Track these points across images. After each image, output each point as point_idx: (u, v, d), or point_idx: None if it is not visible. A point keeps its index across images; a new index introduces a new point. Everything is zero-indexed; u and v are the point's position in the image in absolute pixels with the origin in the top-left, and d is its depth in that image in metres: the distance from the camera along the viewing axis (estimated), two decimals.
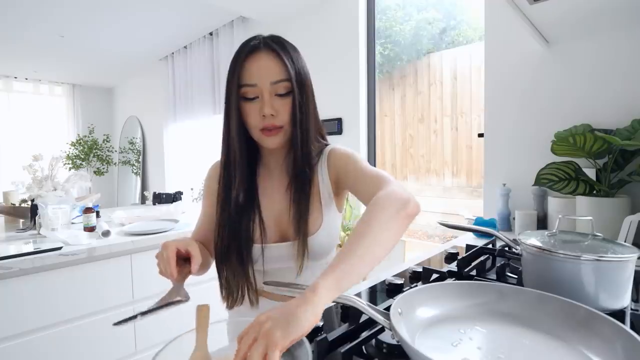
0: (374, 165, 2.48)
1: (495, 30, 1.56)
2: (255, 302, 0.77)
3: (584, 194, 1.17)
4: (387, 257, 0.53)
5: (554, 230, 0.75)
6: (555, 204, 1.30)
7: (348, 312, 0.63)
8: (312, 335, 0.54)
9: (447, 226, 0.99)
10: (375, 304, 0.58)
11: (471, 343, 0.50)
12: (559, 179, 1.20)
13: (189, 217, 2.01)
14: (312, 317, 0.41)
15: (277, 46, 0.70)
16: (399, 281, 0.80)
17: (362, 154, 2.45)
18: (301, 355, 0.42)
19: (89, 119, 5.94)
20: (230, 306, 0.77)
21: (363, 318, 0.61)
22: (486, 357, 0.47)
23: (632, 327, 0.58)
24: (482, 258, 0.91)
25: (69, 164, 5.16)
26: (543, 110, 1.44)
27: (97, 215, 1.91)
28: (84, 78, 5.56)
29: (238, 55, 0.70)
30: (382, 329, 0.56)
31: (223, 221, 0.74)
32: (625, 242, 0.84)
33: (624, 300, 0.62)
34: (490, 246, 1.02)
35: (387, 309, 0.51)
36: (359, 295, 0.80)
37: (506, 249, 0.98)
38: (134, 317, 0.44)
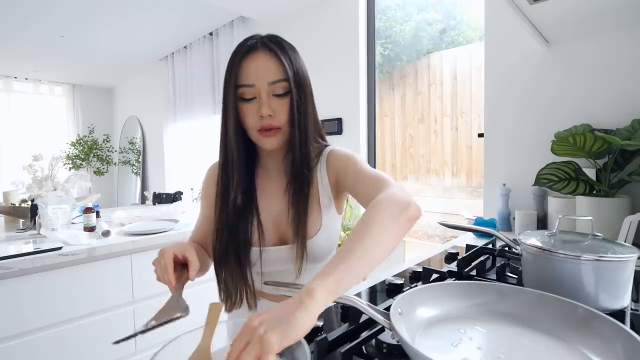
0: (374, 166, 2.48)
1: (495, 30, 1.56)
2: (254, 306, 0.76)
3: (584, 194, 1.17)
4: (387, 257, 0.52)
5: (554, 230, 0.75)
6: (555, 204, 1.30)
7: (348, 312, 0.63)
8: (312, 335, 0.54)
9: (447, 226, 0.99)
10: (375, 304, 0.58)
11: (471, 343, 0.50)
12: (559, 179, 1.20)
13: (189, 217, 2.01)
14: (308, 322, 0.39)
15: (274, 46, 0.69)
16: (399, 281, 0.80)
17: (362, 154, 2.45)
18: (300, 356, 0.42)
19: (89, 119, 5.94)
20: (229, 309, 0.77)
21: (363, 318, 0.61)
22: (486, 357, 0.47)
23: (632, 327, 0.58)
24: (482, 258, 0.91)
25: (69, 164, 5.16)
26: (543, 110, 1.44)
27: (97, 215, 1.91)
28: (84, 78, 5.56)
29: (235, 55, 0.69)
30: (382, 329, 0.56)
31: (221, 223, 0.74)
32: (625, 242, 0.84)
33: (624, 300, 0.62)
34: (490, 246, 1.02)
35: (387, 309, 0.51)
36: (359, 295, 0.80)
37: (506, 249, 0.98)
38: (134, 335, 0.43)
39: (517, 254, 0.81)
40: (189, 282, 0.61)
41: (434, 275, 0.83)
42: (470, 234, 1.41)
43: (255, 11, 2.71)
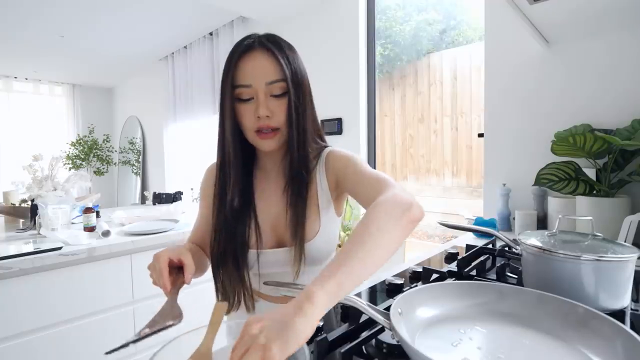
0: (374, 166, 2.48)
1: (495, 30, 1.56)
2: (252, 308, 0.76)
3: (584, 194, 1.17)
4: (389, 259, 0.51)
5: (554, 230, 0.75)
6: (555, 204, 1.30)
7: (348, 312, 0.63)
8: (312, 335, 0.54)
9: (447, 226, 0.99)
10: (375, 304, 0.58)
11: (471, 343, 0.50)
12: (559, 179, 1.20)
13: (189, 217, 2.01)
14: (308, 329, 0.38)
15: (272, 45, 0.68)
16: (399, 281, 0.80)
17: (362, 154, 2.45)
18: (299, 356, 0.42)
19: (89, 119, 5.94)
20: (227, 312, 0.77)
21: (363, 318, 0.61)
22: (486, 357, 0.47)
23: (632, 327, 0.58)
24: (482, 258, 0.91)
25: (69, 164, 5.16)
26: (543, 110, 1.44)
27: (97, 215, 1.91)
28: (84, 78, 5.56)
29: (232, 55, 0.68)
30: (382, 329, 0.56)
31: (219, 225, 0.73)
32: (625, 242, 0.84)
33: (624, 300, 0.62)
34: (490, 246, 1.02)
35: (387, 309, 0.51)
36: (359, 295, 0.80)
37: (506, 249, 0.98)
38: (126, 345, 0.43)
39: (517, 254, 0.81)
40: (191, 280, 0.61)
41: (434, 275, 0.83)
42: (470, 234, 1.41)
43: (255, 11, 2.71)
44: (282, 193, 0.75)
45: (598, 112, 1.31)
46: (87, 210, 1.64)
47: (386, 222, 0.51)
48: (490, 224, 1.43)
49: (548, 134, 1.36)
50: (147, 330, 0.45)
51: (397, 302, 0.52)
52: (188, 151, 3.95)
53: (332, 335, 0.55)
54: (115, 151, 5.74)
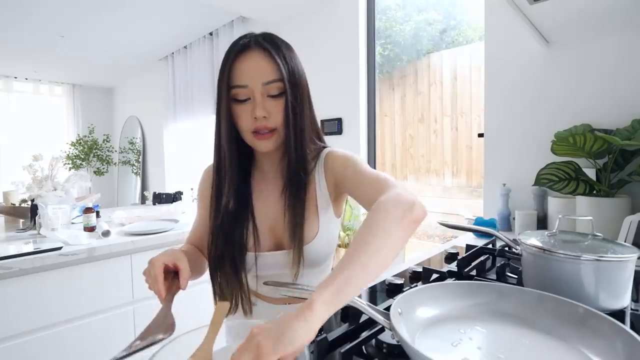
0: (374, 166, 2.48)
1: (495, 30, 1.56)
2: (249, 312, 0.75)
3: (584, 194, 1.17)
4: (393, 261, 0.51)
5: (554, 230, 0.75)
6: (555, 204, 1.30)
7: (348, 312, 0.63)
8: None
9: (447, 226, 0.99)
10: (375, 304, 0.58)
11: (471, 343, 0.50)
12: (559, 179, 1.20)
13: (189, 217, 2.01)
14: (306, 334, 0.38)
15: (268, 45, 0.66)
16: (399, 281, 0.80)
17: (362, 154, 2.45)
18: (299, 356, 0.42)
19: (89, 119, 5.94)
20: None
21: (363, 318, 0.61)
22: (486, 357, 0.47)
23: (632, 327, 0.58)
24: (482, 258, 0.91)
25: (69, 164, 5.16)
26: (543, 110, 1.44)
27: (97, 215, 1.91)
28: (84, 78, 5.56)
29: (228, 55, 0.67)
30: (382, 329, 0.56)
31: (216, 228, 0.72)
32: (625, 242, 0.84)
33: (624, 300, 0.62)
34: (490, 246, 1.02)
35: (387, 309, 0.51)
36: (359, 295, 0.79)
37: (506, 249, 0.98)
38: (118, 359, 0.43)
39: (517, 254, 0.81)
40: (187, 285, 0.60)
41: (434, 275, 0.83)
42: (470, 234, 1.41)
43: (255, 11, 2.71)
44: (280, 195, 0.73)
45: (598, 112, 1.31)
46: (87, 210, 1.64)
47: (388, 224, 0.50)
48: (490, 224, 1.43)
49: (548, 134, 1.36)
50: (138, 343, 0.46)
51: (397, 302, 0.52)
52: (188, 151, 3.96)
53: (332, 335, 0.55)
54: (115, 151, 5.74)
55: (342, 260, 0.47)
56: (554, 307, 0.54)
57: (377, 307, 0.50)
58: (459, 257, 0.89)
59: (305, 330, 0.39)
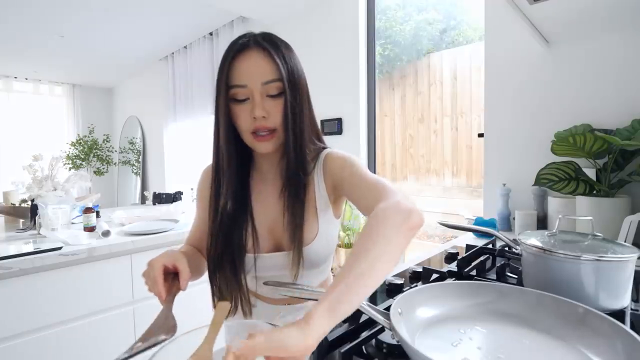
0: (374, 166, 2.48)
1: (495, 30, 1.56)
2: (249, 313, 0.75)
3: (584, 194, 1.17)
4: (392, 269, 0.50)
5: (554, 230, 0.75)
6: (555, 204, 1.30)
7: None
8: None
9: (447, 226, 0.99)
10: (375, 304, 0.58)
11: (471, 343, 0.50)
12: (559, 179, 1.20)
13: (189, 217, 2.01)
14: (298, 341, 0.38)
15: (268, 44, 0.66)
16: (399, 281, 0.79)
17: (362, 154, 2.45)
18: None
19: (89, 119, 5.94)
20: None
21: (363, 318, 0.61)
22: (486, 357, 0.47)
23: (632, 327, 0.58)
24: (482, 258, 0.91)
25: (69, 164, 5.16)
26: (543, 110, 1.44)
27: (97, 215, 1.91)
28: (84, 78, 5.56)
29: (227, 55, 0.66)
30: (382, 329, 0.56)
31: (215, 229, 0.71)
32: (625, 242, 0.84)
33: (624, 300, 0.62)
34: (490, 246, 1.02)
35: (387, 309, 0.51)
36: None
37: (506, 249, 0.98)
38: None
39: (517, 254, 0.81)
40: (187, 286, 0.60)
41: (434, 275, 0.83)
42: (470, 234, 1.41)
43: (255, 11, 2.71)
44: (279, 196, 0.73)
45: (598, 112, 1.31)
46: (87, 210, 1.64)
47: (387, 232, 0.49)
48: (490, 224, 1.43)
49: (548, 134, 1.36)
50: (140, 345, 0.46)
51: (397, 302, 0.52)
52: (188, 151, 3.96)
53: (332, 335, 0.55)
54: (115, 151, 5.74)
55: (341, 269, 0.46)
56: (554, 307, 0.54)
57: (377, 307, 0.50)
58: (459, 257, 0.89)
59: (298, 338, 0.38)
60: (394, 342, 0.52)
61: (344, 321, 0.64)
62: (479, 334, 0.53)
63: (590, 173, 1.19)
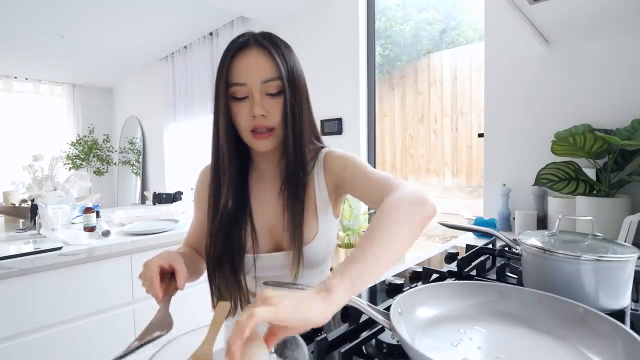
0: (374, 166, 2.48)
1: (495, 30, 1.56)
2: None
3: (584, 194, 1.17)
4: (404, 255, 0.51)
5: (554, 230, 0.75)
6: (555, 204, 1.30)
7: (348, 312, 0.63)
8: (312, 335, 0.54)
9: (447, 226, 0.99)
10: (375, 304, 0.58)
11: (471, 343, 0.50)
12: (559, 179, 1.20)
13: (189, 217, 2.01)
14: (320, 314, 0.37)
15: (267, 43, 0.66)
16: (399, 281, 0.80)
17: (362, 154, 2.45)
18: (299, 356, 0.41)
19: (89, 119, 5.94)
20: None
21: (363, 318, 0.61)
22: (486, 357, 0.47)
23: (632, 327, 0.58)
24: (482, 258, 0.91)
25: (69, 164, 5.16)
26: (543, 110, 1.44)
27: (97, 215, 1.91)
28: (84, 78, 5.56)
29: (226, 53, 0.66)
30: (382, 329, 0.56)
31: (214, 229, 0.71)
32: (625, 242, 0.84)
33: (624, 300, 0.62)
34: (490, 246, 1.02)
35: (387, 309, 0.51)
36: (359, 295, 0.79)
37: (506, 249, 0.98)
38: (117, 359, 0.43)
39: (517, 254, 0.81)
40: (184, 285, 0.60)
41: (434, 275, 0.83)
42: (470, 234, 1.41)
43: (255, 11, 2.71)
44: (278, 195, 0.73)
45: (598, 112, 1.31)
46: (87, 210, 1.64)
47: (401, 218, 0.50)
48: (490, 224, 1.43)
49: (548, 134, 1.36)
50: (136, 344, 0.45)
51: (397, 302, 0.52)
52: (188, 151, 3.96)
53: (332, 335, 0.55)
54: (115, 151, 5.74)
55: (355, 249, 0.47)
56: (554, 307, 0.54)
57: (377, 307, 0.50)
58: (459, 257, 0.89)
59: (321, 310, 0.38)
60: (394, 342, 0.52)
61: (344, 321, 0.64)
62: (479, 334, 0.53)
63: (590, 173, 1.19)
